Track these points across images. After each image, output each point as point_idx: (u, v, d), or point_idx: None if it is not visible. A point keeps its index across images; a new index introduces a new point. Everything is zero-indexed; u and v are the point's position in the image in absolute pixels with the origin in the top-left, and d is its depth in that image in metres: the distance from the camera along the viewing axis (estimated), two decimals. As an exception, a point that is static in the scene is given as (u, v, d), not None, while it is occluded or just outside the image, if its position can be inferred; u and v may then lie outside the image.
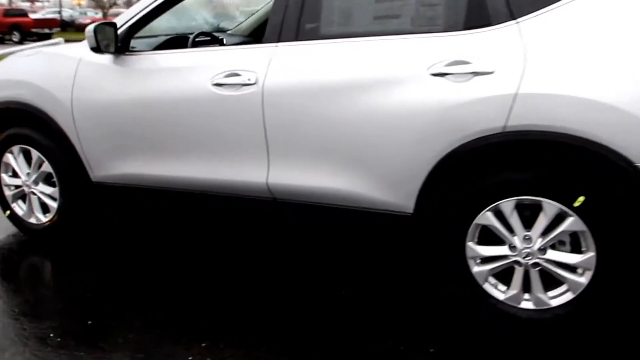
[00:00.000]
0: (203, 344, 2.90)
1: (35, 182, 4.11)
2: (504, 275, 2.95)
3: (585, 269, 2.76)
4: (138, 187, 3.73)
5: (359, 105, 2.97)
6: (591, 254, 2.73)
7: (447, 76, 2.79)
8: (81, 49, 3.81)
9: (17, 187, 4.21)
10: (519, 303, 2.92)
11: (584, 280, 2.77)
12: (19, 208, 4.26)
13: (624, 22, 2.61)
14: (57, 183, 4.02)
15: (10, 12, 30.38)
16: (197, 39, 4.12)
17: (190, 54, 3.61)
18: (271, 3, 3.31)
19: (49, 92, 3.81)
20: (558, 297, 2.86)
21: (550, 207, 2.74)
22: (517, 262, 2.86)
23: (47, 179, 4.09)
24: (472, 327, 2.99)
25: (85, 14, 41.06)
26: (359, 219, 3.18)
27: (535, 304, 2.89)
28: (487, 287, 2.98)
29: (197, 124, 3.38)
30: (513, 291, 2.91)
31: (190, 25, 5.33)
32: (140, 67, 3.58)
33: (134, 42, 3.72)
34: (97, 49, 3.50)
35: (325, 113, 3.05)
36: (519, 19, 2.74)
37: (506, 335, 2.91)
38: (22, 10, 32.27)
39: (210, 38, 4.43)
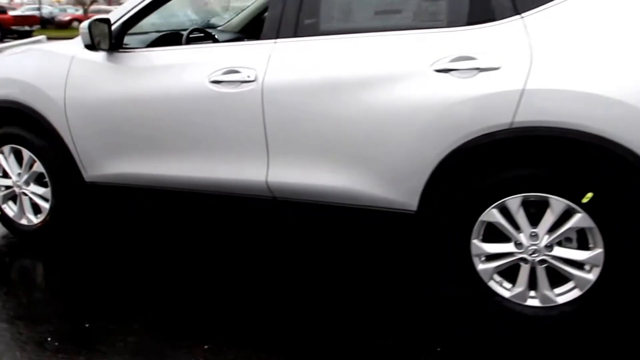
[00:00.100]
0: (205, 346, 2.84)
1: (27, 183, 4.03)
2: (509, 273, 2.92)
3: (593, 266, 2.74)
4: (133, 187, 3.66)
5: (361, 102, 2.93)
6: (599, 250, 2.71)
7: (452, 72, 2.75)
8: (73, 47, 3.73)
9: (7, 187, 4.12)
10: (525, 300, 2.89)
11: (591, 276, 2.75)
12: (10, 209, 4.17)
13: (631, 15, 2.58)
14: (49, 183, 3.94)
15: (-12, 10, 29.99)
16: (190, 36, 4.04)
17: (186, 51, 3.55)
18: (267, -2, 3.27)
19: (40, 91, 3.73)
20: (565, 294, 2.83)
21: (558, 203, 2.71)
22: (523, 259, 2.83)
23: (39, 179, 4.00)
24: (472, 327, 2.96)
25: (65, 10, 40.64)
26: (361, 217, 3.14)
27: (541, 301, 2.86)
28: (492, 284, 2.94)
29: (194, 122, 3.31)
30: (519, 289, 2.88)
31: (178, 22, 5.23)
32: (135, 64, 3.51)
33: (125, 39, 3.64)
34: (91, 46, 3.43)
35: (327, 110, 3.00)
36: (523, 14, 2.71)
37: (511, 333, 2.88)
38: (1, 7, 31.84)
39: (204, 34, 4.35)
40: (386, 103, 2.88)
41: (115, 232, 4.34)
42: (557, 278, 2.83)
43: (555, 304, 2.84)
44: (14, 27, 28.42)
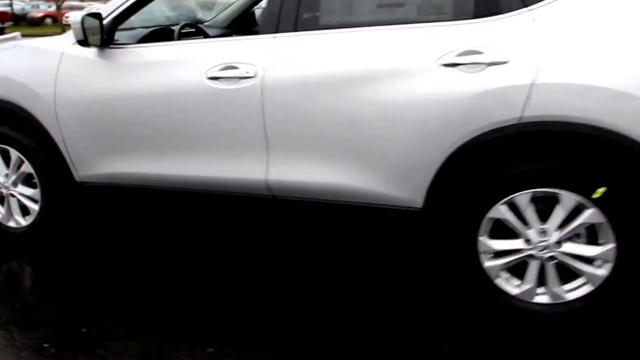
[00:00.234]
0: (209, 350, 2.77)
1: (15, 184, 3.91)
2: (516, 270, 2.88)
3: (604, 261, 2.71)
4: (128, 187, 3.56)
5: (365, 98, 2.87)
6: (611, 245, 2.68)
7: (459, 67, 2.70)
8: (62, 42, 3.63)
9: (-6, 189, 3.99)
10: (533, 297, 2.85)
11: (603, 272, 2.72)
12: (-3, 211, 4.04)
13: (642, 7, 2.55)
14: (38, 184, 3.83)
15: (-40, 6, 29.43)
16: (182, 31, 3.94)
17: (181, 47, 3.45)
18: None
19: (29, 88, 3.61)
20: (574, 291, 2.80)
21: (568, 199, 2.67)
22: (532, 255, 2.79)
23: (27, 180, 3.88)
24: (472, 327, 2.91)
25: (37, 7, 39.94)
26: (364, 216, 3.09)
27: (550, 298, 2.82)
28: (500, 282, 2.90)
29: (191, 119, 3.23)
30: (527, 285, 2.84)
31: (165, 17, 5.14)
32: (129, 61, 3.41)
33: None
34: (84, 41, 3.32)
35: (330, 106, 2.93)
36: (531, 7, 2.66)
37: (512, 333, 2.84)
38: (-28, 4, 31.34)
39: (195, 30, 4.26)
40: (391, 99, 2.82)
41: (109, 233, 4.22)
42: (565, 274, 2.80)
43: (565, 300, 2.80)
44: (-14, 25, 27.94)
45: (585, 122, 2.54)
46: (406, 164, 2.88)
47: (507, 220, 2.79)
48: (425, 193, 2.90)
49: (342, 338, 2.85)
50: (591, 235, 2.75)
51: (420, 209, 2.94)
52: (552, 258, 2.77)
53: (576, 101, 2.54)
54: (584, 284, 2.79)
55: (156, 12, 5.47)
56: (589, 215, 2.67)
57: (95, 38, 3.34)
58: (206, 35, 4.27)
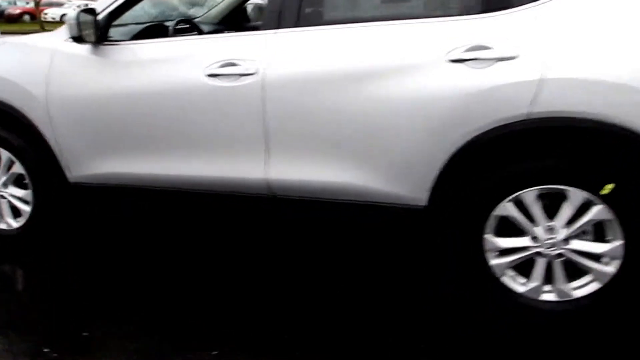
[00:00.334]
0: (213, 353, 2.71)
1: (5, 185, 3.82)
2: (520, 268, 2.86)
3: (612, 258, 2.69)
4: (123, 187, 3.49)
5: (370, 95, 2.82)
6: (619, 242, 2.66)
7: (467, 62, 2.67)
8: (54, 39, 3.54)
9: (-16, 190, 3.89)
10: (540, 295, 2.83)
11: (611, 269, 2.70)
12: (-13, 213, 3.94)
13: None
14: (29, 185, 3.74)
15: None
16: (177, 27, 3.87)
17: (178, 43, 3.37)
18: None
19: (20, 87, 3.52)
20: (582, 288, 2.77)
21: (576, 195, 2.65)
22: (539, 253, 2.76)
23: (18, 181, 3.79)
24: (472, 327, 2.87)
25: (14, 3, 39.36)
26: (367, 215, 3.04)
27: (557, 295, 2.80)
28: (506, 280, 2.87)
29: (190, 117, 3.16)
30: (534, 283, 2.82)
31: (156, 13, 5.04)
32: (125, 58, 3.33)
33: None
34: (79, 38, 3.24)
35: (333, 103, 2.88)
36: (539, 1, 2.63)
37: (517, 331, 2.81)
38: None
39: (189, 26, 4.18)
40: (397, 95, 2.78)
41: (105, 234, 4.12)
42: (571, 272, 2.77)
43: (572, 298, 2.77)
44: (-37, 22, 27.52)
45: (594, 118, 2.52)
46: (411, 161, 2.84)
47: (514, 217, 2.76)
48: (430, 191, 2.86)
49: (342, 338, 2.81)
50: (597, 232, 2.73)
51: (424, 207, 2.90)
52: (559, 255, 2.74)
53: (585, 97, 2.52)
54: (590, 282, 2.76)
55: (146, 8, 5.39)
56: (597, 211, 2.65)
57: (90, 34, 3.25)
58: (201, 32, 4.19)
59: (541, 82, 2.54)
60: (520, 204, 2.75)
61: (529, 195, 2.71)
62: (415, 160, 2.82)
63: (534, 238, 2.76)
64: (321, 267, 3.53)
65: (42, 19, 31.28)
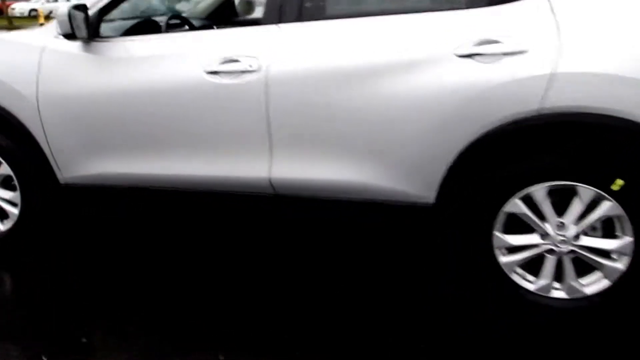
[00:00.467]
0: (221, 357, 2.64)
1: (-8, 186, 3.69)
2: (531, 265, 2.82)
3: (622, 255, 2.66)
4: (117, 188, 3.38)
5: (377, 91, 2.76)
6: (629, 238, 2.63)
7: (476, 57, 2.62)
8: (42, 36, 3.42)
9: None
10: (550, 293, 2.79)
11: (621, 266, 2.67)
12: (-28, 216, 3.80)
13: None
14: (17, 187, 3.61)
15: None
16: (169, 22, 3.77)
17: (175, 39, 3.28)
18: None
19: (8, 86, 3.40)
20: (592, 285, 2.75)
21: (586, 192, 2.61)
22: (549, 250, 2.73)
23: (6, 183, 3.66)
24: (472, 327, 2.83)
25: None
26: (374, 213, 2.99)
27: (567, 292, 2.77)
28: (515, 277, 2.84)
29: (189, 116, 3.07)
30: (544, 281, 2.78)
31: (144, 8, 4.92)
32: (118, 54, 3.23)
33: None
34: (71, 35, 3.13)
35: (339, 100, 2.82)
36: None
37: (512, 333, 2.77)
38: None
39: (180, 21, 4.08)
40: (405, 91, 2.72)
41: (103, 235, 3.99)
42: (579, 269, 2.75)
43: (583, 295, 2.75)
44: None
45: (606, 113, 2.49)
46: (418, 158, 2.79)
47: (523, 214, 2.72)
48: (438, 188, 2.81)
49: (343, 338, 2.77)
50: (606, 228, 2.70)
51: (433, 204, 2.85)
52: (570, 252, 2.71)
53: (597, 91, 2.48)
54: (600, 279, 2.73)
55: (133, 3, 5.27)
56: (608, 207, 2.62)
57: (82, 31, 3.14)
58: (192, 27, 4.09)
59: (552, 77, 2.51)
60: (529, 201, 2.71)
61: (539, 191, 2.67)
62: (423, 157, 2.77)
63: (543, 235, 2.73)
64: (322, 267, 3.46)
65: (9, 15, 30.77)
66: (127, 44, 3.27)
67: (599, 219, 2.66)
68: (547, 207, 2.69)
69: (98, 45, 3.26)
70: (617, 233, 2.67)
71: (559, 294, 2.79)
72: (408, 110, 2.73)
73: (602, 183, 2.59)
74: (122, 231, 4.04)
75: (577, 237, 2.69)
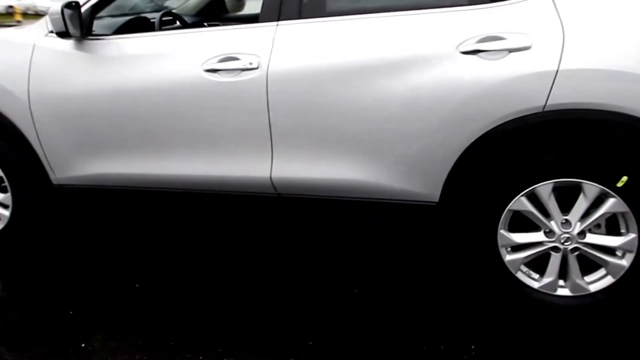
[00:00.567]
0: (214, 352, 2.62)
1: (-18, 188, 3.60)
2: (536, 263, 2.81)
3: (626, 251, 2.66)
4: (112, 189, 3.32)
5: (379, 89, 2.73)
6: (633, 235, 2.63)
7: (480, 54, 2.59)
8: (33, 34, 3.35)
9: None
10: (555, 290, 2.78)
11: (625, 263, 2.67)
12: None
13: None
14: (8, 188, 3.53)
15: None
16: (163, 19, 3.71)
17: (170, 37, 3.20)
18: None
19: (-2, 85, 3.31)
20: (596, 282, 2.74)
21: (591, 189, 2.60)
22: (554, 247, 2.71)
23: (-4, 184, 3.59)
24: (472, 327, 2.81)
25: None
26: (377, 213, 2.95)
27: (572, 290, 2.76)
28: (520, 275, 2.82)
29: (187, 115, 3.02)
30: (549, 278, 2.76)
31: (128, 5, 4.85)
32: (112, 53, 3.16)
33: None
34: (64, 33, 3.06)
35: (342, 98, 2.78)
36: None
37: (512, 334, 2.75)
38: None
39: (172, 18, 4.02)
40: (408, 89, 2.69)
41: (100, 237, 3.91)
42: (583, 266, 2.74)
43: (588, 292, 2.74)
44: None
45: (613, 110, 2.47)
46: (422, 157, 2.76)
47: (529, 212, 2.70)
48: (442, 186, 2.79)
49: (343, 338, 2.74)
50: (609, 225, 2.69)
51: (437, 203, 2.82)
52: (574, 249, 2.70)
53: (602, 88, 2.47)
54: (604, 276, 2.73)
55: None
56: (613, 204, 2.61)
57: (74, 29, 3.08)
58: (185, 24, 4.03)
59: (558, 73, 2.49)
60: (534, 198, 2.69)
61: (544, 189, 2.66)
62: (427, 155, 2.74)
63: (548, 232, 2.71)
64: (322, 267, 3.43)
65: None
66: (121, 42, 3.20)
67: (603, 216, 2.64)
68: (552, 205, 2.67)
69: (91, 43, 3.19)
70: (621, 230, 2.66)
71: (563, 291, 2.78)
72: (411, 108, 2.70)
73: (607, 180, 2.58)
74: (122, 231, 3.98)
75: (582, 234, 2.67)
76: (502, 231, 2.76)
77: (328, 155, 2.87)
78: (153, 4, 4.88)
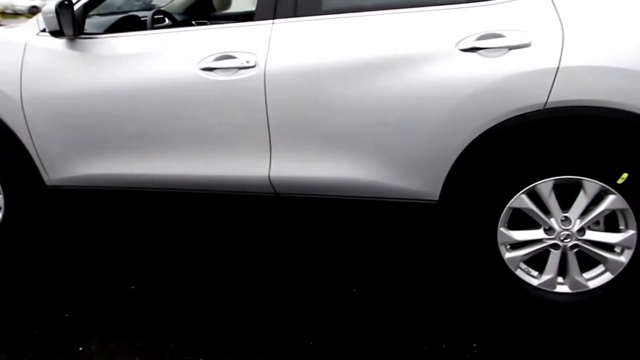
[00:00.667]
0: (215, 353, 2.60)
1: (-28, 191, 3.53)
2: (535, 260, 2.82)
3: (624, 248, 2.67)
4: (108, 190, 3.27)
5: (378, 87, 2.71)
6: (632, 232, 2.64)
7: (479, 51, 2.58)
8: (24, 33, 3.29)
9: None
10: (554, 287, 2.79)
11: (623, 259, 2.68)
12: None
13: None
14: (0, 190, 3.49)
15: None
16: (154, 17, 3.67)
17: (165, 35, 3.15)
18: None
19: (-11, 85, 3.25)
20: (595, 279, 2.75)
21: (591, 186, 2.61)
22: (554, 245, 2.72)
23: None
24: (472, 327, 2.81)
25: None
26: (376, 212, 2.94)
27: (570, 287, 2.77)
28: (520, 273, 2.82)
29: (184, 114, 2.98)
30: (548, 275, 2.77)
31: (116, 3, 4.80)
32: (106, 52, 3.12)
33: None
34: (58, 32, 3.02)
35: (339, 96, 2.76)
36: None
37: (511, 333, 2.76)
38: None
39: (163, 16, 3.98)
40: (406, 87, 2.68)
41: (99, 237, 3.87)
42: (581, 263, 2.75)
43: (587, 289, 2.75)
44: None
45: (613, 107, 2.47)
46: (421, 155, 2.75)
47: (529, 209, 2.70)
48: (442, 184, 2.78)
49: (344, 338, 2.73)
50: (608, 222, 2.70)
51: (437, 201, 2.81)
52: (574, 246, 2.70)
53: (602, 85, 2.47)
54: (603, 272, 2.74)
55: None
56: (612, 201, 2.62)
57: (67, 27, 3.03)
58: (176, 23, 3.99)
59: (558, 71, 2.49)
60: (534, 196, 2.69)
61: (545, 186, 2.66)
62: (427, 153, 2.74)
63: (547, 230, 2.72)
64: (322, 266, 3.41)
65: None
66: (114, 40, 3.16)
67: (603, 213, 2.65)
68: (552, 202, 2.68)
69: (84, 42, 3.15)
70: (620, 227, 2.67)
71: (562, 288, 2.79)
72: (410, 106, 2.69)
73: (608, 177, 2.59)
74: (120, 232, 3.93)
75: (581, 231, 2.68)
76: (501, 229, 2.76)
77: (327, 154, 2.86)
78: (141, 2, 4.82)
